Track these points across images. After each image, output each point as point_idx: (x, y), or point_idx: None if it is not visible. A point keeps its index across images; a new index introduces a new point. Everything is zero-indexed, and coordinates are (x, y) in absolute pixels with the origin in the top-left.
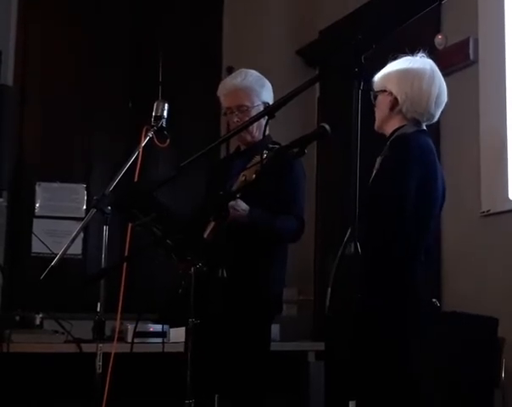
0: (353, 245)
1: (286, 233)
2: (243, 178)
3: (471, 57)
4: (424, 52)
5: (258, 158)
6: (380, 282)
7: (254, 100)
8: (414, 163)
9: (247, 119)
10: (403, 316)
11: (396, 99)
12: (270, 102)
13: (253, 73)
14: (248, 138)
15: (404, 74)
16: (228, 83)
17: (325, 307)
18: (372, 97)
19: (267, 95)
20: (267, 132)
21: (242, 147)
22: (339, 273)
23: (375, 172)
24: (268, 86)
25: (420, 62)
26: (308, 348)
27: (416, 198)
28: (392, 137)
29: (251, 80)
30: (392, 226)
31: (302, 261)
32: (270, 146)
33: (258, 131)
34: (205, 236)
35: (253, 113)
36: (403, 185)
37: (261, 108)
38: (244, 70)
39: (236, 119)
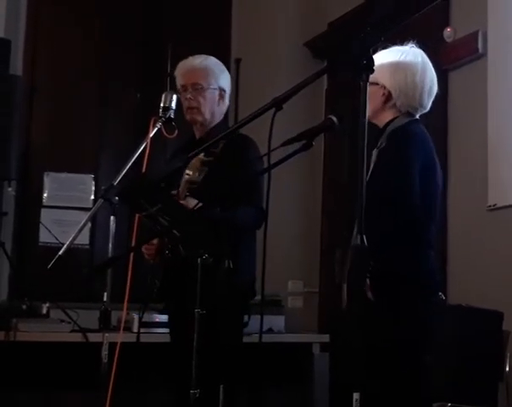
0: (359, 237)
1: (246, 227)
2: (187, 177)
3: (480, 50)
4: (413, 42)
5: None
6: (391, 273)
7: (211, 82)
8: (415, 150)
9: (200, 98)
10: (410, 307)
11: (390, 93)
12: (227, 89)
13: (214, 58)
14: (199, 119)
15: (397, 67)
16: (187, 63)
17: (342, 303)
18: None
19: (225, 82)
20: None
21: (198, 136)
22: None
23: (372, 165)
24: (227, 74)
25: (411, 54)
26: (313, 339)
27: (420, 186)
28: (389, 130)
29: (210, 63)
30: (402, 216)
31: (307, 254)
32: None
33: (210, 114)
34: None
35: (208, 94)
36: (407, 173)
37: (216, 93)
38: (205, 55)
39: (188, 96)
